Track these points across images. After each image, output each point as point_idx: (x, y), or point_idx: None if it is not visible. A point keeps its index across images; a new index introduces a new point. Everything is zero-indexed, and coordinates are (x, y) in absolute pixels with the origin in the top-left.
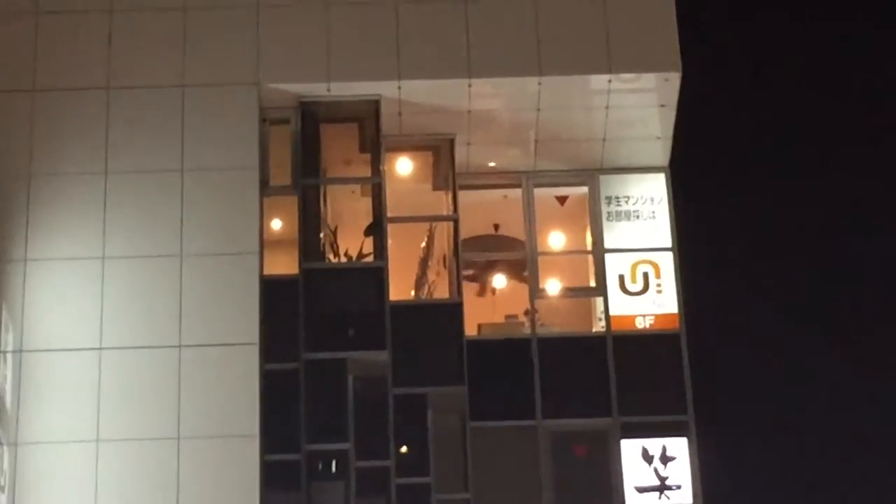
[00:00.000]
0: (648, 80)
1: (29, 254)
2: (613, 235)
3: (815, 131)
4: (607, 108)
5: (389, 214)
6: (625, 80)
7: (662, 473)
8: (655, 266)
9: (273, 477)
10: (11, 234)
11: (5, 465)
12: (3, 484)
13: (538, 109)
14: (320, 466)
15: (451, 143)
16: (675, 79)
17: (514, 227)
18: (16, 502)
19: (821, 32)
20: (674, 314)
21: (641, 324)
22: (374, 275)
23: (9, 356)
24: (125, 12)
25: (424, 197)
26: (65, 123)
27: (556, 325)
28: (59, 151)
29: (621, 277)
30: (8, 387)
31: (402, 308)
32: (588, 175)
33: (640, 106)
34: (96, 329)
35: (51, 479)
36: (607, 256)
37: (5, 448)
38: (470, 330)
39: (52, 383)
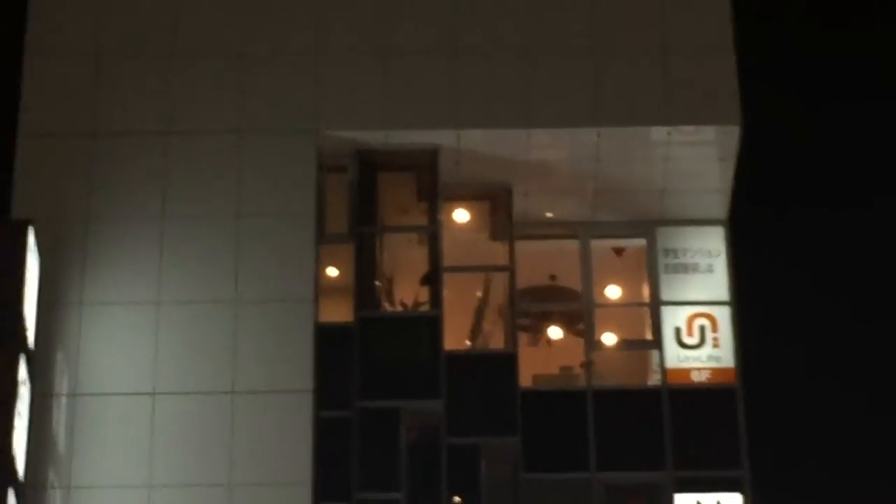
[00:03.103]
0: (708, 132)
1: (85, 297)
2: (670, 288)
3: (878, 184)
4: (666, 160)
5: (446, 264)
6: (684, 133)
7: None
8: (712, 319)
9: None
10: (68, 278)
11: None
12: None
13: (597, 160)
14: None
15: (509, 192)
16: (734, 131)
17: (570, 278)
18: None
19: (884, 84)
20: (730, 368)
21: (697, 377)
22: (430, 324)
23: (63, 399)
24: (185, 57)
25: (481, 246)
26: (123, 167)
27: (611, 377)
28: (117, 195)
29: (678, 330)
30: (61, 430)
31: (457, 357)
32: (646, 227)
33: (699, 158)
34: (150, 373)
35: None
36: (664, 309)
37: (58, 492)
38: (524, 381)
39: (105, 427)
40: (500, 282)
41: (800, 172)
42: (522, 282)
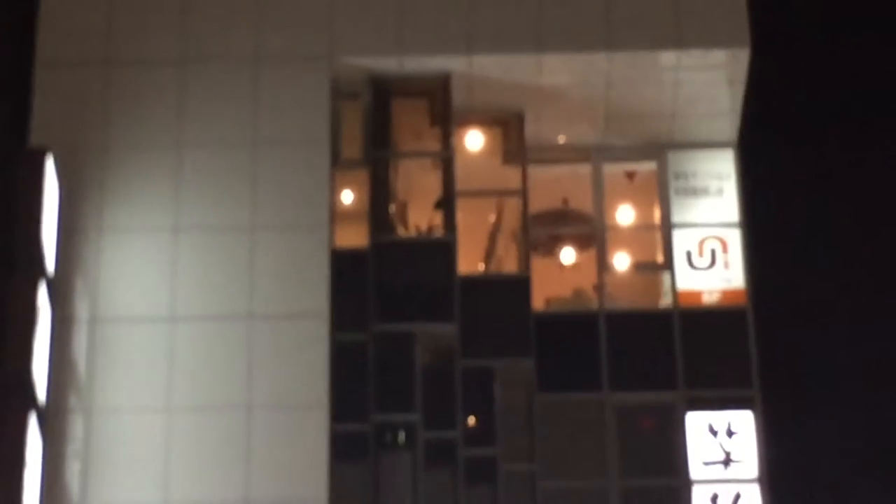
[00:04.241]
0: (717, 56)
1: (104, 224)
2: (681, 211)
3: (889, 105)
4: (676, 84)
5: (459, 188)
6: (694, 57)
7: (727, 447)
8: (723, 242)
9: (341, 447)
10: (86, 205)
11: (79, 433)
12: (76, 451)
13: (608, 85)
14: (388, 437)
15: (521, 117)
16: (743, 55)
17: (582, 202)
18: (88, 469)
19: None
20: (740, 290)
21: (708, 299)
22: (444, 248)
23: (83, 325)
24: None
25: (494, 171)
26: (139, 96)
27: (623, 299)
28: (133, 123)
29: (689, 253)
30: (82, 355)
31: (471, 281)
32: (656, 151)
33: (708, 82)
34: (169, 299)
35: (123, 446)
36: (675, 232)
37: (79, 416)
38: (538, 303)
39: (124, 351)
40: (513, 206)
41: (809, 95)
42: (535, 206)
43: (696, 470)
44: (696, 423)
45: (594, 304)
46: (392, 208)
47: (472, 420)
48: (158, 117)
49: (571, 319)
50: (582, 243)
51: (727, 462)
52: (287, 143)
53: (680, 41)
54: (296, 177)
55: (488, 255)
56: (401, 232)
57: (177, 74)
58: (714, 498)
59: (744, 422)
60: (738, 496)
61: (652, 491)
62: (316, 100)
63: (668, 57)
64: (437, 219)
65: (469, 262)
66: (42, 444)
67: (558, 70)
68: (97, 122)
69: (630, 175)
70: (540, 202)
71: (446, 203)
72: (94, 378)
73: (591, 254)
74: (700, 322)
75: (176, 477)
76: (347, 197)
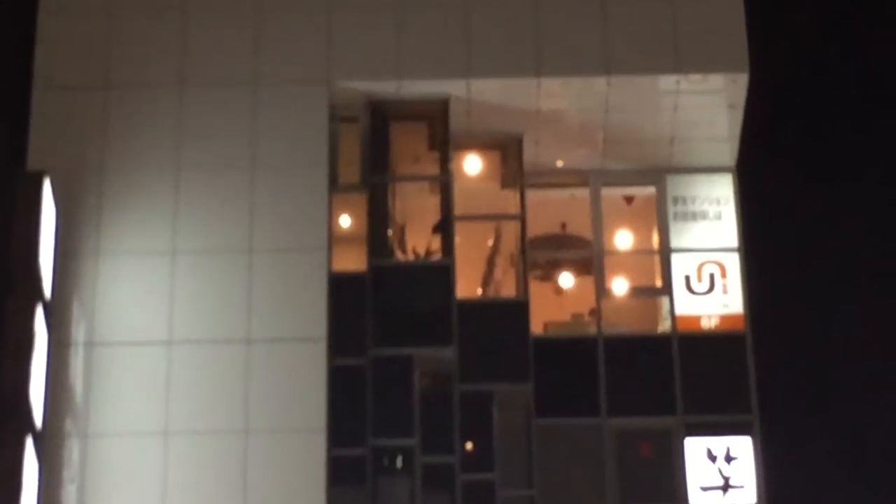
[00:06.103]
0: (716, 80)
1: (101, 247)
2: (680, 236)
3: (885, 133)
4: (675, 108)
5: (457, 212)
6: (693, 81)
7: (726, 472)
8: (721, 266)
9: (339, 471)
10: (84, 228)
11: (75, 457)
12: (73, 475)
13: (606, 109)
14: (386, 461)
15: (520, 142)
16: (742, 80)
17: (581, 227)
18: (85, 493)
19: (893, 33)
20: (739, 314)
21: (707, 324)
22: (442, 272)
23: (80, 348)
24: (198, 9)
25: (492, 195)
26: (138, 119)
27: (621, 324)
28: (131, 146)
29: (687, 278)
30: (78, 379)
31: (469, 305)
32: (655, 175)
33: (707, 107)
34: (166, 323)
35: (119, 470)
36: (673, 256)
37: (75, 440)
38: (536, 328)
39: (121, 376)
40: (511, 230)
41: (808, 119)
42: (533, 230)
43: (694, 495)
44: (695, 448)
45: (592, 329)
46: (390, 232)
47: (470, 445)
48: (156, 140)
49: (570, 344)
50: (580, 268)
51: (726, 488)
52: (285, 166)
53: (679, 65)
54: (294, 200)
55: (486, 280)
56: (399, 256)
57: (175, 97)
58: None
59: (743, 447)
60: None
61: None
62: (314, 123)
63: (666, 81)
64: (436, 243)
65: (467, 286)
66: (38, 468)
67: (557, 94)
68: (95, 144)
69: (628, 199)
70: (538, 226)
71: (444, 227)
72: (91, 402)
73: (590, 278)
74: (699, 347)
75: (173, 502)
76: (345, 220)
